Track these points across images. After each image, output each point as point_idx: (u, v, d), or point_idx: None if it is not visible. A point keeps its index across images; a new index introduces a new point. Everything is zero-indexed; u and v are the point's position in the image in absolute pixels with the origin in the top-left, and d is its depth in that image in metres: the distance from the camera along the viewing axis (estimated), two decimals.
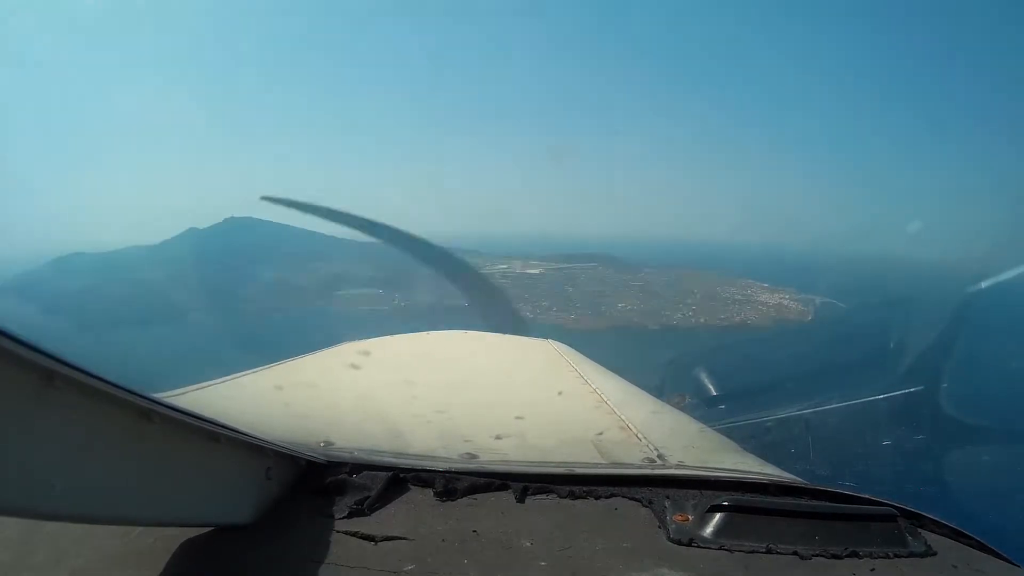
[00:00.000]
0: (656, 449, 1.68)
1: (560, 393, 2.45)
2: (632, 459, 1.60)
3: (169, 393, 1.68)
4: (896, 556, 1.14)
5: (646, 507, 1.28)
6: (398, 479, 1.30)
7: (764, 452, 2.10)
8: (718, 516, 1.19)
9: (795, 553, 1.12)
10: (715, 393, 4.91)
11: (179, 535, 1.05)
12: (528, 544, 1.11)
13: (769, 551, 1.12)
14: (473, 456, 1.48)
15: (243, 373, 2.24)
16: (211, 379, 2.07)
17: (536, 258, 41.96)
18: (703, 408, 4.64)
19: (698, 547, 1.13)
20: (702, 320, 31.55)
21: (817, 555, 1.11)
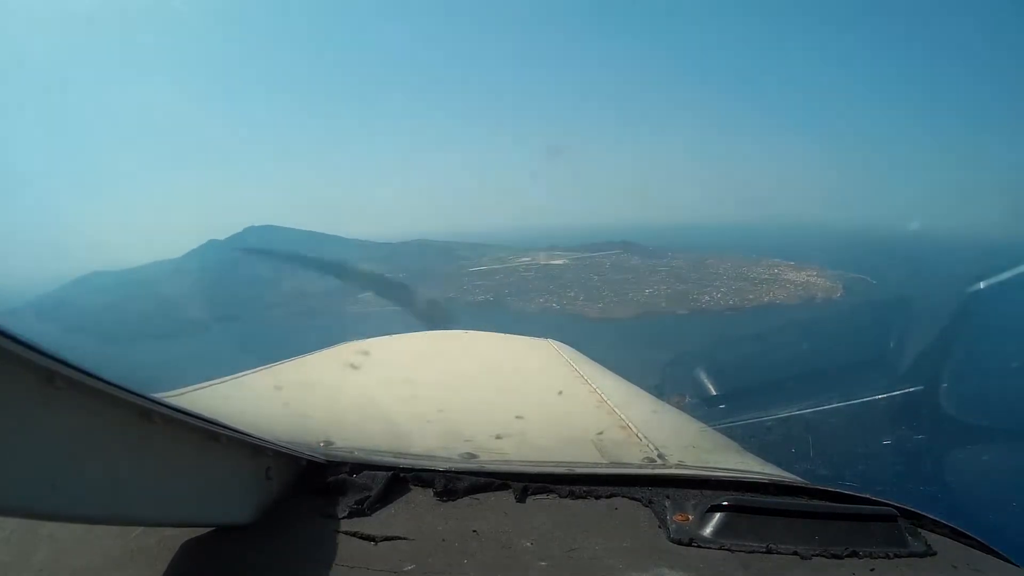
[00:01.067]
0: (656, 449, 1.68)
1: (560, 393, 2.45)
2: (632, 459, 1.60)
3: (169, 393, 1.68)
4: (896, 556, 1.14)
5: (646, 507, 1.28)
6: (398, 479, 1.30)
7: (764, 452, 2.10)
8: (718, 516, 1.19)
9: (795, 553, 1.12)
10: (715, 393, 4.91)
11: (179, 535, 1.05)
12: (528, 544, 1.11)
13: (769, 551, 1.12)
14: (473, 456, 1.48)
15: (243, 373, 2.24)
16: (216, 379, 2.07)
17: (560, 249, 41.67)
18: (703, 408, 4.64)
19: (698, 547, 1.13)
20: (731, 302, 31.36)
21: (817, 555, 1.11)
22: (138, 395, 0.77)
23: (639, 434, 1.82)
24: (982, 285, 4.11)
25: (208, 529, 1.06)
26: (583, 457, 1.55)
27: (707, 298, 32.60)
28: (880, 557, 1.13)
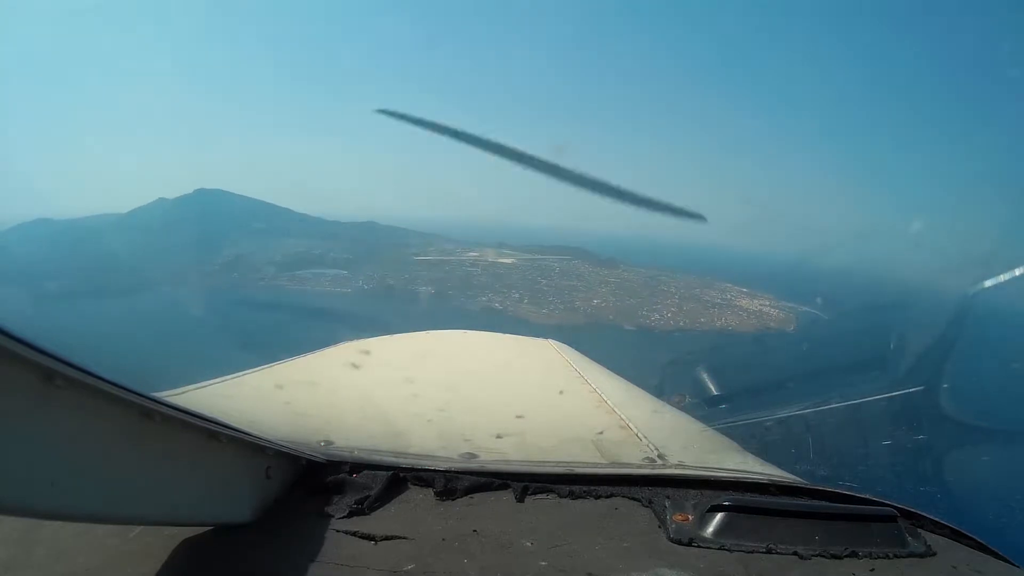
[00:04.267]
0: (656, 449, 1.68)
1: (560, 393, 2.45)
2: (632, 459, 1.60)
3: (169, 393, 1.68)
4: (896, 556, 1.14)
5: (646, 507, 1.28)
6: (398, 479, 1.30)
7: (764, 452, 2.10)
8: (718, 516, 1.19)
9: (795, 553, 1.12)
10: (715, 393, 4.91)
11: (179, 534, 1.05)
12: (528, 544, 1.11)
13: (769, 551, 1.12)
14: (473, 456, 1.48)
15: (243, 373, 2.24)
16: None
17: (509, 248, 41.07)
18: (703, 408, 4.63)
19: (698, 547, 1.13)
20: (681, 323, 30.60)
21: (817, 555, 1.11)
22: (138, 395, 0.77)
23: (639, 434, 1.82)
24: (983, 285, 4.10)
25: (208, 528, 1.06)
26: (583, 457, 1.55)
27: (656, 316, 31.81)
28: (880, 557, 1.13)
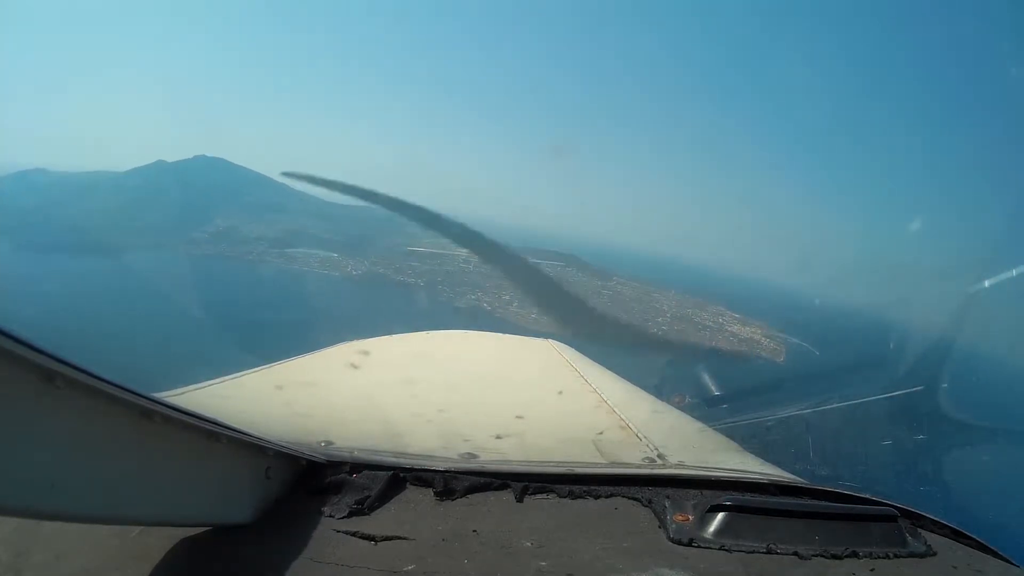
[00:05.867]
0: (656, 449, 1.69)
1: (560, 393, 2.45)
2: (632, 459, 1.60)
3: (169, 393, 1.68)
4: (896, 556, 1.14)
5: (646, 507, 1.28)
6: (398, 479, 1.30)
7: (764, 452, 2.10)
8: (718, 516, 1.19)
9: (795, 553, 1.12)
10: (715, 393, 4.91)
11: (179, 535, 1.05)
12: (528, 544, 1.11)
13: (769, 551, 1.12)
14: (473, 456, 1.48)
15: (243, 373, 2.24)
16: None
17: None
18: (703, 408, 4.63)
19: (698, 547, 1.13)
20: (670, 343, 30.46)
21: (817, 555, 1.12)
22: (138, 395, 0.77)
23: (639, 434, 1.82)
24: (984, 284, 4.11)
25: (208, 529, 1.06)
26: (583, 457, 1.55)
27: (647, 333, 31.78)
28: (880, 557, 1.13)
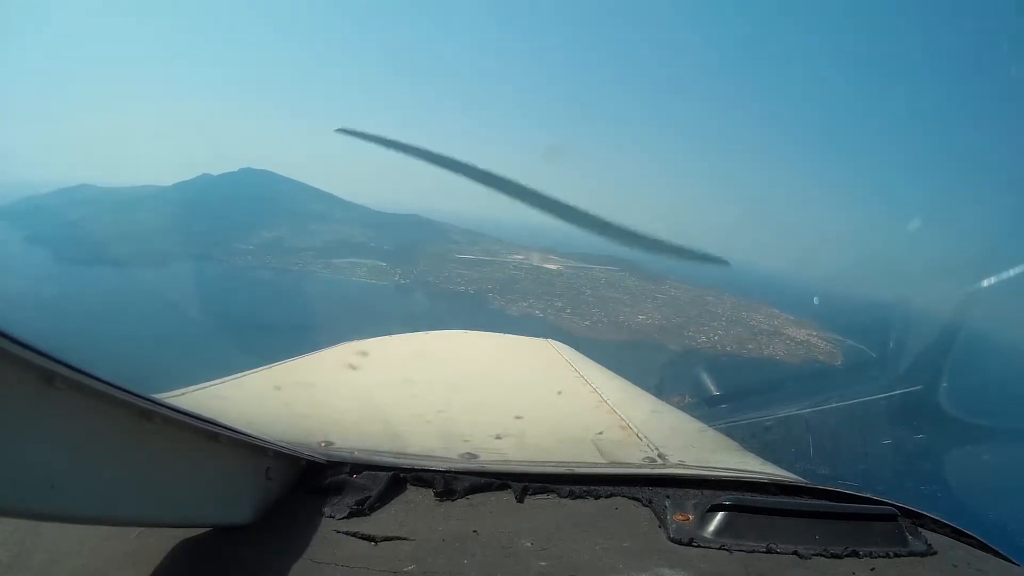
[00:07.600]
0: (656, 448, 1.69)
1: (560, 393, 2.45)
2: (632, 459, 1.60)
3: (169, 393, 1.68)
4: (896, 555, 1.14)
5: (646, 507, 1.28)
6: (398, 479, 1.30)
7: (764, 451, 2.10)
8: (719, 516, 1.19)
9: (795, 553, 1.12)
10: (715, 393, 4.91)
11: (179, 535, 1.05)
12: (528, 544, 1.11)
13: (769, 551, 1.12)
14: (473, 456, 1.48)
15: (243, 373, 2.24)
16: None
17: (556, 253, 39.72)
18: (703, 408, 4.64)
19: (698, 547, 1.13)
20: (728, 348, 28.90)
21: (817, 554, 1.11)
22: (138, 395, 0.77)
23: (639, 434, 1.82)
24: (983, 284, 4.11)
25: (208, 529, 1.06)
26: (583, 457, 1.55)
27: (703, 339, 29.87)
28: (881, 556, 1.13)
